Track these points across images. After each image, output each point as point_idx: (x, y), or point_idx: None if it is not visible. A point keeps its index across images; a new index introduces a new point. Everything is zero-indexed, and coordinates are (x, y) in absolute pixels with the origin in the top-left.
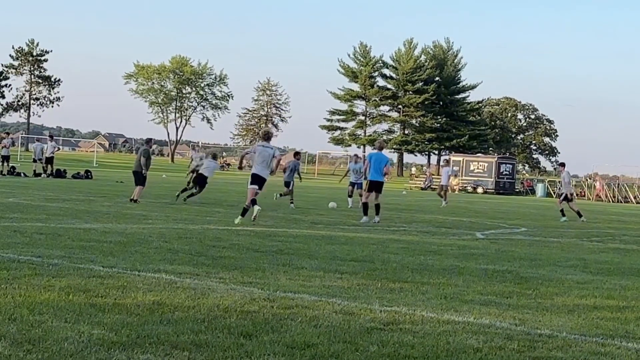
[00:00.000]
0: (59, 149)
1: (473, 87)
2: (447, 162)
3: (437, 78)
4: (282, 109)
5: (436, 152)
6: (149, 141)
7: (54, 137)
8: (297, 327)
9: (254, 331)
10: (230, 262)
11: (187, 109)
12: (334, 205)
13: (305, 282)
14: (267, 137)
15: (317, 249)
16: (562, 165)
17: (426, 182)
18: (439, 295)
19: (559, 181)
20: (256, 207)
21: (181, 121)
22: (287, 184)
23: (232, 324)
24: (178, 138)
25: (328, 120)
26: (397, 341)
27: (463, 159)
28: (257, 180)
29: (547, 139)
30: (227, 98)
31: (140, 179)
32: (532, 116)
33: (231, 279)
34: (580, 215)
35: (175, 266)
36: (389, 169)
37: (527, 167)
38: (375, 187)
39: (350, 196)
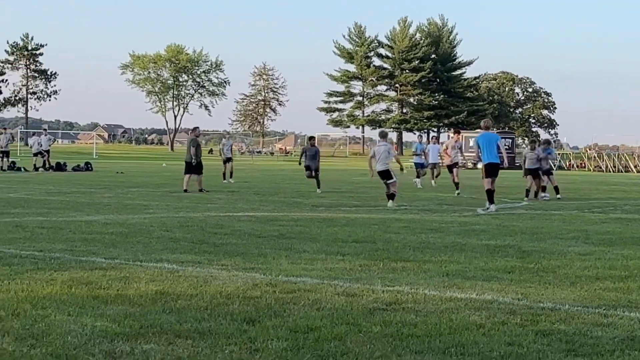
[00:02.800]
0: (55, 141)
1: (469, 63)
2: (437, 139)
3: (433, 55)
4: (279, 93)
5: (435, 129)
6: (194, 129)
7: (47, 130)
8: (300, 311)
9: (257, 317)
10: (232, 248)
11: (184, 97)
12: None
13: (307, 266)
14: (384, 135)
15: (319, 231)
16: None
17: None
18: (441, 272)
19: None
20: (390, 202)
21: (179, 109)
22: (307, 167)
23: (235, 311)
24: (177, 126)
25: (325, 102)
26: (400, 321)
27: (462, 136)
28: (384, 174)
29: (545, 112)
30: (224, 84)
31: (192, 168)
32: (530, 89)
33: (233, 266)
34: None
35: (177, 255)
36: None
37: (526, 141)
38: (495, 170)
39: (418, 177)
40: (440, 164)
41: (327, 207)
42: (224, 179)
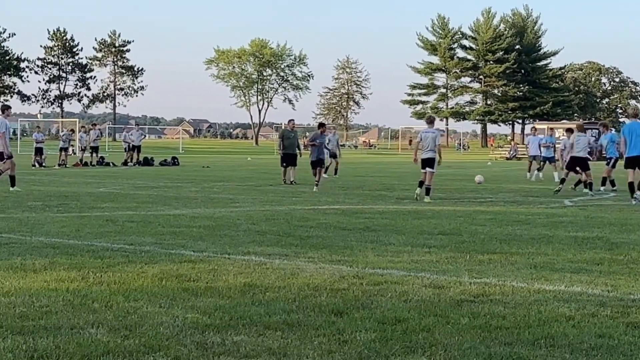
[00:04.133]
0: (145, 136)
1: (554, 54)
2: (535, 129)
3: (517, 46)
4: (362, 86)
5: (520, 121)
6: (289, 122)
7: (140, 126)
8: (388, 303)
9: (344, 308)
10: (318, 241)
11: (268, 91)
12: (480, 179)
13: (394, 258)
14: (431, 121)
15: (404, 224)
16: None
17: (511, 152)
18: (529, 264)
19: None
20: (418, 189)
21: (263, 103)
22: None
23: (323, 303)
24: (261, 120)
25: (409, 94)
26: (488, 312)
27: (547, 127)
28: (428, 162)
29: (633, 102)
30: (308, 78)
31: (284, 160)
32: (617, 79)
33: (320, 258)
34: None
35: (264, 248)
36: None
37: (614, 131)
38: (635, 162)
39: (539, 169)
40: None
41: (412, 199)
42: (325, 172)
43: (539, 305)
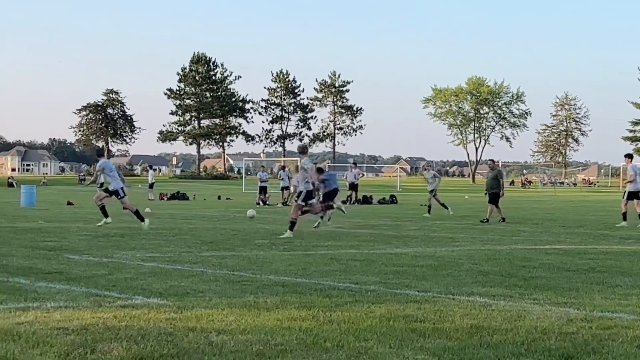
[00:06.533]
0: (363, 175)
1: None
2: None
3: None
4: (582, 123)
5: None
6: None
7: (357, 164)
8: (619, 348)
9: (574, 353)
10: (542, 282)
11: (485, 129)
12: (253, 213)
13: (622, 301)
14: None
15: (630, 265)
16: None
17: None
18: None
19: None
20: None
21: (480, 141)
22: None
23: (552, 346)
24: (478, 158)
25: (630, 131)
26: None
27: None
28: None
29: None
30: (525, 115)
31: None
32: None
33: (545, 300)
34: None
35: (487, 288)
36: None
37: None
38: None
39: None
40: None
41: (636, 239)
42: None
43: None
